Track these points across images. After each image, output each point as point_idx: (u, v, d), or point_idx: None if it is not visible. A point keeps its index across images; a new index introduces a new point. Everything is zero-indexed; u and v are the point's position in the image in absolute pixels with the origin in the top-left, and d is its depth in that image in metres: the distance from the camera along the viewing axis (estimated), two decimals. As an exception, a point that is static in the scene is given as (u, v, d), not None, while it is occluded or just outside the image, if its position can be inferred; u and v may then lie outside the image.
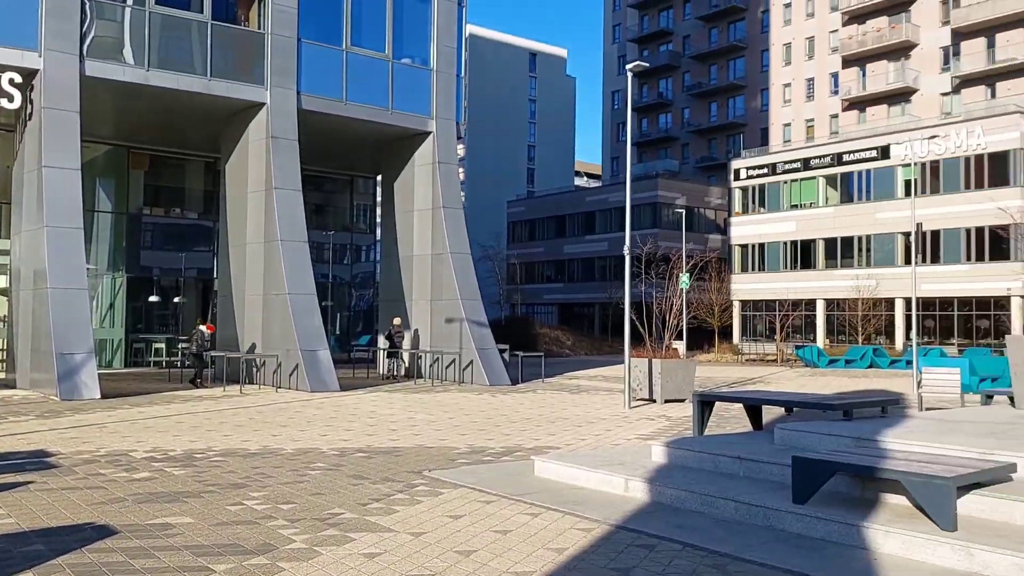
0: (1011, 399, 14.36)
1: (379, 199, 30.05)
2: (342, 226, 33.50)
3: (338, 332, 33.08)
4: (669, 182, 61.86)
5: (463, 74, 25.88)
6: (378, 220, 30.87)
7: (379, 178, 30.48)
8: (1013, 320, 39.22)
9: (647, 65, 18.23)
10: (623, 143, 77.22)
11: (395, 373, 25.19)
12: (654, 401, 18.61)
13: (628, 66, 17.46)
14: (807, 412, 12.30)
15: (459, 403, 18.29)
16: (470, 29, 59.67)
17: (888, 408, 10.47)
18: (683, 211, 46.39)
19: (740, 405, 12.81)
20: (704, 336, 47.93)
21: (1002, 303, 39.80)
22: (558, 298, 67.58)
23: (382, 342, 25.64)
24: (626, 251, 17.90)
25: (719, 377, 27.92)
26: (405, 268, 25.93)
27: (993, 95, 51.52)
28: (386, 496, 8.23)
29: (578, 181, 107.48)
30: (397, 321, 25.21)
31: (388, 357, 25.17)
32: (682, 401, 18.50)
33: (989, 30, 51.97)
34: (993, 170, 40.24)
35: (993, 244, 40.30)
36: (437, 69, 25.05)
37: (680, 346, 39.80)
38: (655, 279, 20.66)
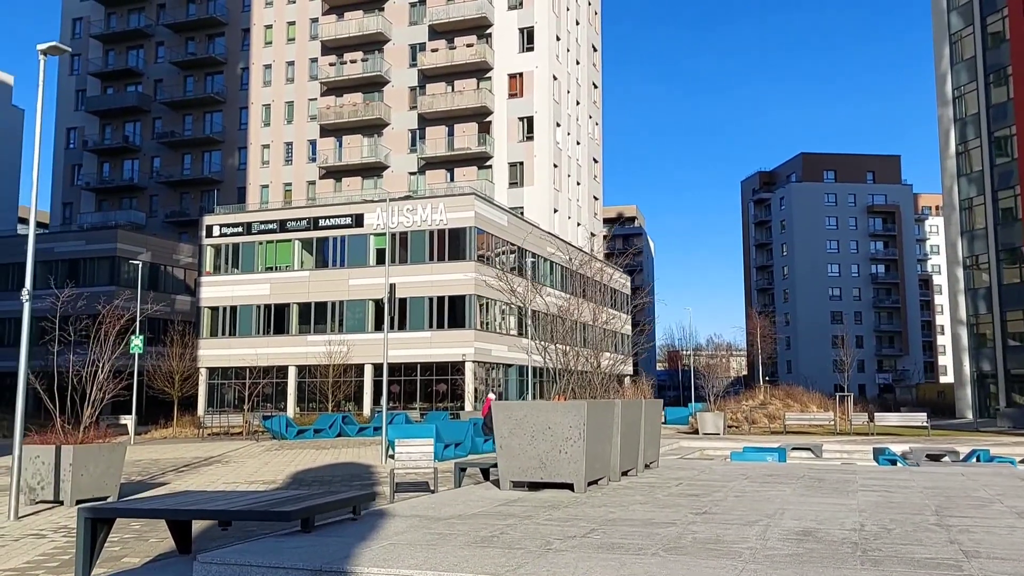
0: (483, 472, 13.27)
1: None
2: None
3: None
4: (132, 235, 54.74)
5: None
6: None
7: None
8: (467, 384, 41.91)
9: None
10: (79, 187, 67.13)
11: None
12: (62, 503, 13.62)
13: (40, 46, 12.83)
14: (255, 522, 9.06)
15: None
16: None
17: (360, 507, 7.84)
18: (139, 264, 40.65)
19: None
20: (163, 409, 42.10)
21: (459, 368, 42.37)
22: (-22, 366, 54.40)
23: None
24: (25, 295, 12.90)
25: (169, 459, 23.29)
26: None
27: (452, 178, 56.57)
28: None
29: (23, 228, 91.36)
30: None
31: None
32: (106, 499, 13.89)
33: (449, 120, 57.28)
34: (453, 244, 43.15)
35: (452, 312, 42.93)
36: None
37: (130, 422, 33.83)
38: (72, 337, 15.72)
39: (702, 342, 77.68)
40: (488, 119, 56.83)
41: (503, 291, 21.49)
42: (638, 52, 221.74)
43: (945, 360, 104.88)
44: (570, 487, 9.51)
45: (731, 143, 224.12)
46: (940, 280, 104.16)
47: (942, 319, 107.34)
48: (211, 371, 46.95)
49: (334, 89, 60.50)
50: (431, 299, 43.04)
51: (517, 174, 56.19)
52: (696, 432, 33.04)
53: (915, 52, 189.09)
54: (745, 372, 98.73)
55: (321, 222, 46.19)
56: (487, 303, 43.95)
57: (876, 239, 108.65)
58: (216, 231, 48.35)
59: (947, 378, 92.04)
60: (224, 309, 47.51)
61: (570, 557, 5.81)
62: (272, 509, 6.69)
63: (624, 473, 11.20)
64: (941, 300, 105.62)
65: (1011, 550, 6.20)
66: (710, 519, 7.68)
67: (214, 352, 46.71)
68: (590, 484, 9.81)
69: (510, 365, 45.70)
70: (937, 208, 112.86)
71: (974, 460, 21.55)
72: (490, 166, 56.64)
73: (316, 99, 60.94)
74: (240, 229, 47.87)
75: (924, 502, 8.87)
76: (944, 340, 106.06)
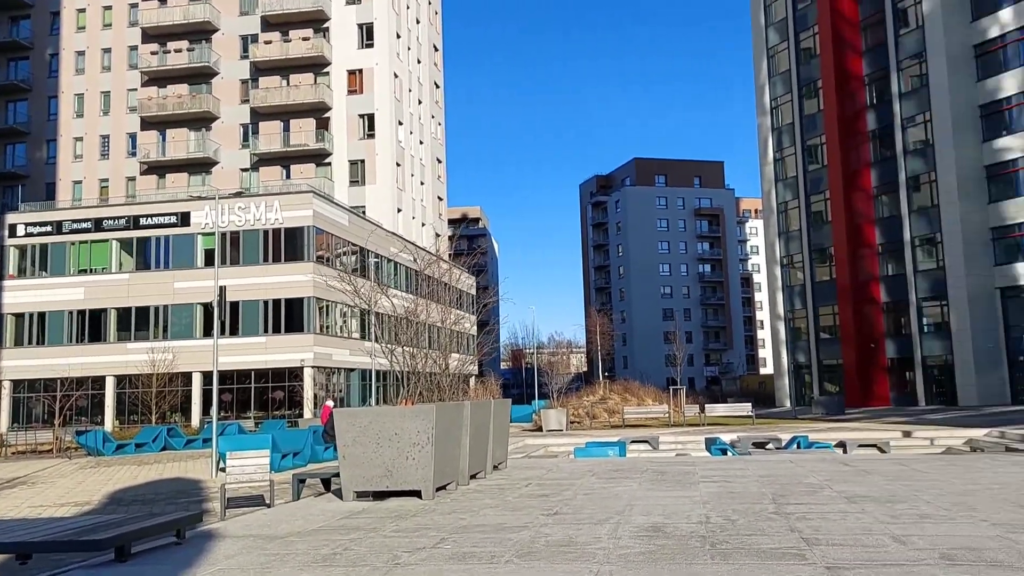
0: (324, 483, 12.55)
1: None
2: None
3: None
4: (-81, 234, 48.80)
5: None
6: None
7: None
8: (306, 390, 40.36)
9: None
10: None
11: None
12: None
13: None
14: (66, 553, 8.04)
15: None
16: None
17: (185, 529, 7.07)
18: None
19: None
20: (-42, 428, 37.79)
21: (296, 374, 40.71)
22: None
23: None
24: None
25: (-37, 484, 20.73)
26: None
27: (288, 176, 54.43)
28: None
29: None
30: None
31: None
32: None
33: (285, 115, 55.11)
34: (289, 244, 41.43)
35: (289, 316, 41.19)
36: None
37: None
38: None
39: (544, 340, 79.16)
40: (326, 115, 55.18)
41: (346, 293, 20.68)
42: (479, 55, 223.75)
43: (765, 353, 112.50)
44: (418, 494, 9.10)
45: (570, 147, 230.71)
46: (760, 278, 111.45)
47: (762, 315, 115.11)
48: (16, 383, 42.65)
49: (157, 79, 56.72)
50: (266, 302, 41.14)
51: (358, 172, 54.91)
52: (540, 429, 33.40)
53: (739, 65, 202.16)
54: (585, 368, 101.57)
55: (143, 220, 43.07)
56: (327, 306, 42.55)
57: (703, 240, 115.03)
58: (21, 230, 44.03)
59: (767, 370, 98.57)
60: (31, 315, 43.33)
61: (420, 571, 5.42)
62: (79, 538, 5.85)
63: (473, 476, 10.91)
64: (761, 297, 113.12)
65: (847, 536, 6.39)
66: (561, 520, 7.51)
67: (19, 363, 42.47)
68: (439, 490, 9.44)
69: (352, 369, 44.48)
70: (757, 211, 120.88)
71: (795, 446, 22.98)
72: (329, 163, 55.02)
73: (136, 89, 56.89)
74: (49, 228, 43.83)
75: (761, 491, 9.13)
76: (764, 334, 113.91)
